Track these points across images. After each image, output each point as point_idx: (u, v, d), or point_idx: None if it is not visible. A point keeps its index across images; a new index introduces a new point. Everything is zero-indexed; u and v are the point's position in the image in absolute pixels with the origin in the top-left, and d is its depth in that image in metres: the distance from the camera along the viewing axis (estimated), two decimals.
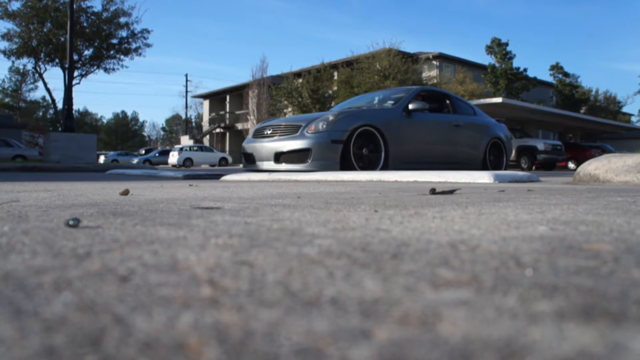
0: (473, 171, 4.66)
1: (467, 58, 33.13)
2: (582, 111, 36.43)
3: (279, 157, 6.15)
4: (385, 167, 6.35)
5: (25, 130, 31.33)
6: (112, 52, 27.15)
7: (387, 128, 6.37)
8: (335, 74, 27.75)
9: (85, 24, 26.00)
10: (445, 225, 1.16)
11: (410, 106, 6.74)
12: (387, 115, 6.57)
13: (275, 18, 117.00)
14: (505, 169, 8.06)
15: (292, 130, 6.21)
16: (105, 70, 27.35)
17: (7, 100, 55.95)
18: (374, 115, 6.47)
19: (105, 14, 26.41)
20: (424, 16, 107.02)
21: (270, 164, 6.21)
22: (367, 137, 6.22)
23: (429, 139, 7.06)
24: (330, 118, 6.02)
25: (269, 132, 6.50)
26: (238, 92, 39.56)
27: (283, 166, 6.10)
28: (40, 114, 62.06)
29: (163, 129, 77.80)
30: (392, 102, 7.10)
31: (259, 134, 6.67)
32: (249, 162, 6.64)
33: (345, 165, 5.99)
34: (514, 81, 31.71)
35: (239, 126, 37.42)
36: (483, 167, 7.82)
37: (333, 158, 5.89)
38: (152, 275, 0.64)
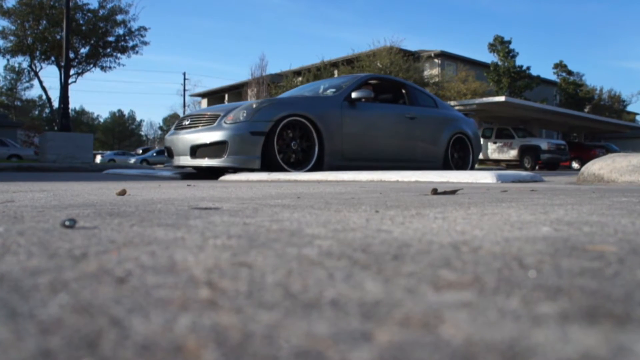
0: (475, 171, 4.64)
1: (469, 56, 33.18)
2: (586, 110, 36.43)
3: (195, 150, 5.50)
4: (320, 165, 5.71)
5: (20, 129, 31.32)
6: (108, 50, 27.15)
7: (323, 119, 5.65)
8: (336, 72, 27.76)
9: (81, 22, 26.00)
10: (447, 226, 1.16)
11: (354, 95, 6.02)
12: (324, 105, 5.83)
13: (276, 16, 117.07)
14: (471, 169, 7.45)
15: (210, 121, 5.53)
16: (102, 68, 27.36)
17: (2, 98, 55.96)
18: (308, 104, 5.74)
19: (101, 11, 26.41)
20: (426, 14, 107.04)
21: (187, 159, 5.58)
22: (298, 130, 5.55)
23: (376, 132, 6.33)
24: (254, 106, 5.35)
25: (187, 122, 5.84)
26: (237, 91, 39.54)
27: (199, 161, 5.47)
28: (36, 112, 62.05)
29: (161, 128, 77.80)
30: (334, 90, 6.35)
31: (179, 126, 6.00)
32: (169, 156, 6.01)
33: (268, 162, 5.35)
34: (517, 80, 31.71)
35: None
36: (444, 165, 7.12)
37: (253, 152, 5.23)
38: (150, 277, 0.64)
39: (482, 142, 21.93)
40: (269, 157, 5.30)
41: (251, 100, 5.77)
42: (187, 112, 6.20)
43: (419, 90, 7.31)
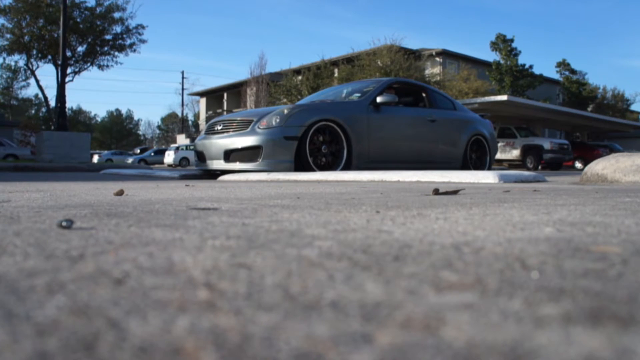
0: (477, 171, 4.64)
1: (471, 55, 33.17)
2: (589, 109, 36.44)
3: (229, 155, 5.74)
4: (348, 167, 5.96)
5: (16, 128, 31.31)
6: (106, 48, 27.14)
7: (351, 123, 5.90)
8: (336, 71, 27.78)
9: (78, 20, 25.99)
10: (448, 226, 1.16)
11: (379, 99, 6.26)
12: (351, 109, 6.09)
13: (276, 13, 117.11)
14: (488, 169, 7.65)
15: (243, 126, 5.77)
16: (99, 67, 27.36)
17: None
18: (336, 109, 5.99)
19: (99, 9, 26.41)
20: (427, 12, 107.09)
21: (220, 163, 5.81)
22: (327, 134, 5.81)
23: (400, 135, 6.59)
24: (285, 112, 5.57)
25: (219, 127, 6.08)
26: (236, 90, 39.56)
27: (233, 165, 5.69)
28: (33, 112, 62.08)
29: (159, 127, 77.79)
30: (359, 94, 6.62)
31: (210, 130, 6.23)
32: (201, 160, 6.24)
33: (301, 165, 5.58)
34: (520, 78, 31.72)
35: None
36: (463, 166, 7.35)
37: (286, 156, 5.46)
38: (148, 278, 0.64)
39: None
40: (301, 160, 5.54)
41: (282, 106, 5.87)
42: (217, 118, 6.29)
43: (438, 94, 7.53)
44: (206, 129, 6.38)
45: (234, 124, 5.89)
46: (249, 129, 5.65)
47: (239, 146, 5.63)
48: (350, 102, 6.37)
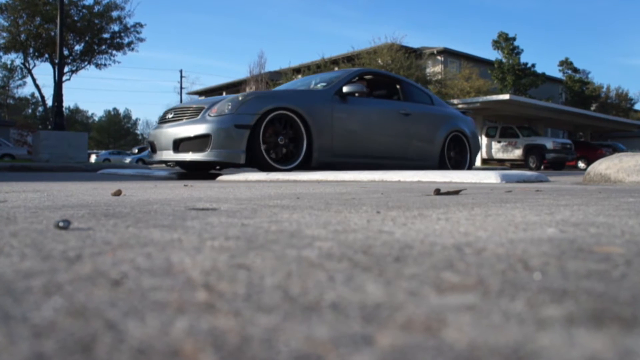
0: (479, 171, 4.64)
1: (473, 53, 33.16)
2: (592, 108, 36.44)
3: (178, 145, 5.40)
4: (308, 161, 5.61)
5: (13, 128, 31.32)
6: (103, 47, 27.15)
7: (312, 113, 5.53)
8: (336, 69, 27.77)
9: (76, 18, 26.00)
10: (450, 227, 1.16)
11: (345, 89, 5.93)
12: (314, 99, 5.73)
13: (276, 12, 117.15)
14: (469, 168, 7.28)
15: (194, 114, 5.44)
16: (97, 65, 27.37)
17: None
18: (296, 97, 5.64)
19: (96, 7, 26.42)
20: (428, 10, 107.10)
21: (170, 154, 5.48)
22: (285, 124, 5.45)
23: (368, 128, 6.23)
24: (239, 99, 5.26)
25: (170, 116, 5.74)
26: (235, 89, 39.50)
27: (182, 156, 5.37)
28: (29, 111, 62.08)
29: None
30: (324, 84, 6.27)
31: (162, 119, 5.89)
32: (153, 151, 5.91)
33: (253, 157, 5.25)
34: (522, 77, 31.72)
35: None
36: (440, 165, 6.96)
37: (237, 146, 5.13)
38: (146, 279, 0.64)
39: (486, 142, 22.11)
40: (254, 151, 5.20)
41: (238, 94, 5.53)
42: (173, 106, 6.04)
43: (414, 87, 7.17)
44: (160, 117, 6.06)
45: (186, 112, 5.56)
46: (199, 117, 5.33)
47: (188, 135, 5.30)
48: (314, 91, 6.02)
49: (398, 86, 6.95)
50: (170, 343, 0.42)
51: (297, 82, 7.22)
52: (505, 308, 0.52)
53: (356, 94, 6.09)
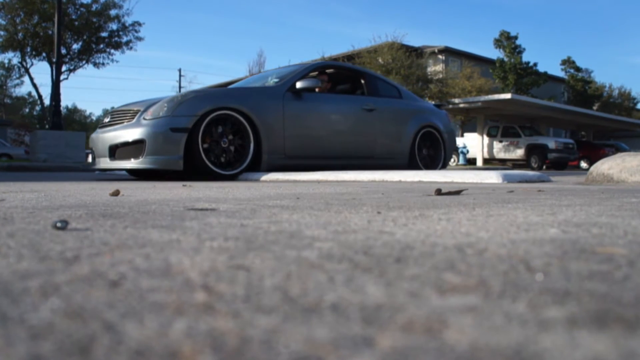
0: (480, 171, 4.63)
1: (474, 52, 33.19)
2: (595, 108, 36.44)
3: (114, 151, 5.02)
4: (257, 164, 5.24)
5: (10, 127, 31.34)
6: (101, 45, 27.14)
7: (260, 112, 5.16)
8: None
9: (74, 16, 25.99)
10: (451, 227, 1.16)
11: (298, 84, 5.50)
12: (262, 96, 5.32)
13: (275, 11, 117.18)
14: (443, 166, 6.91)
15: (130, 117, 5.03)
16: (95, 64, 27.36)
17: None
18: (242, 95, 5.24)
19: (95, 6, 26.40)
20: (429, 8, 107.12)
21: (106, 162, 5.08)
22: (233, 126, 5.07)
23: (326, 127, 5.81)
24: (176, 99, 4.88)
25: (107, 120, 5.35)
26: None
27: (117, 164, 4.99)
28: (27, 110, 62.05)
29: None
30: (277, 80, 5.81)
31: (101, 124, 5.47)
32: (92, 159, 5.52)
33: (192, 162, 4.87)
34: (524, 76, 31.71)
35: None
36: (410, 163, 6.52)
37: (174, 152, 4.74)
38: (144, 280, 0.64)
39: (487, 141, 22.12)
40: (194, 157, 4.84)
41: (178, 93, 5.11)
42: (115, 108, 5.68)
43: (381, 80, 6.71)
44: (100, 122, 5.68)
45: (123, 115, 5.16)
46: (134, 121, 4.94)
47: (122, 141, 4.93)
48: (263, 88, 5.60)
49: (362, 80, 6.50)
50: (168, 345, 0.42)
51: (254, 78, 6.74)
52: (507, 309, 0.52)
53: (316, 90, 5.78)
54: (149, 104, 4.99)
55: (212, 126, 4.94)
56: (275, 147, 5.33)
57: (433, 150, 6.85)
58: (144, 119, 4.86)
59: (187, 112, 4.81)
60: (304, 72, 5.83)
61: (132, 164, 4.86)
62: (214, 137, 4.99)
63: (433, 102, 7.44)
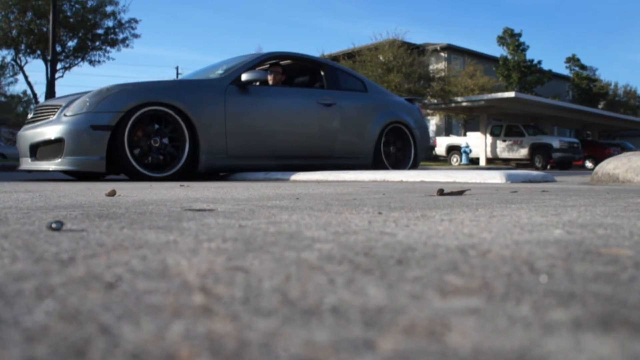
0: (484, 171, 4.62)
1: (477, 50, 33.27)
2: (600, 106, 36.44)
3: (35, 151, 4.66)
4: (194, 165, 4.84)
5: (4, 126, 31.35)
6: (97, 43, 27.12)
7: (196, 108, 4.75)
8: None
9: (68, 13, 25.99)
10: (454, 228, 1.16)
11: (244, 77, 5.06)
12: (201, 90, 4.93)
13: (275, 6, 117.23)
14: (413, 166, 6.45)
15: (51, 113, 4.66)
16: (91, 62, 27.34)
17: None
18: (176, 89, 4.82)
19: (90, 3, 26.40)
20: (431, 5, 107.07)
21: (28, 162, 4.71)
22: (167, 123, 4.69)
23: (277, 123, 5.38)
24: (100, 93, 4.51)
25: (30, 116, 5.01)
26: None
27: (38, 164, 4.61)
28: (21, 109, 62.02)
29: None
30: (221, 72, 5.39)
31: (26, 120, 5.12)
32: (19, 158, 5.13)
33: (116, 163, 4.51)
34: (528, 74, 31.71)
35: None
36: (376, 163, 6.03)
37: (95, 152, 4.35)
38: (141, 282, 0.64)
39: (490, 140, 22.12)
40: (119, 157, 4.46)
41: (104, 87, 4.69)
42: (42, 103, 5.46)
43: (343, 72, 6.23)
44: (27, 118, 5.29)
45: (45, 112, 4.80)
46: (54, 117, 4.57)
47: (41, 139, 4.56)
48: (202, 80, 5.22)
49: (322, 72, 6.03)
50: (165, 348, 0.42)
51: (203, 69, 6.25)
52: (510, 312, 0.52)
53: (269, 82, 5.48)
54: (73, 99, 4.64)
55: (143, 124, 4.59)
56: (215, 146, 4.94)
57: (402, 149, 6.40)
58: (65, 115, 4.49)
59: (110, 108, 4.42)
60: (253, 63, 5.41)
61: (51, 164, 4.50)
62: (144, 136, 4.62)
63: (405, 97, 7.00)
